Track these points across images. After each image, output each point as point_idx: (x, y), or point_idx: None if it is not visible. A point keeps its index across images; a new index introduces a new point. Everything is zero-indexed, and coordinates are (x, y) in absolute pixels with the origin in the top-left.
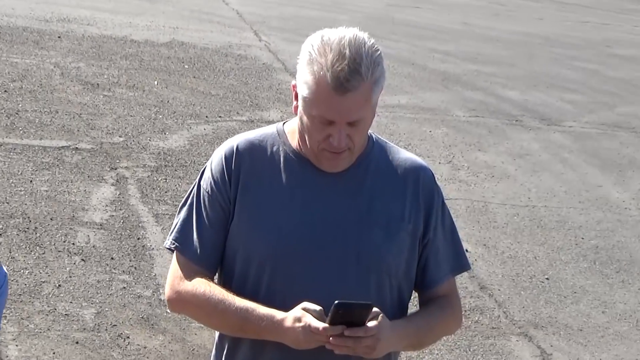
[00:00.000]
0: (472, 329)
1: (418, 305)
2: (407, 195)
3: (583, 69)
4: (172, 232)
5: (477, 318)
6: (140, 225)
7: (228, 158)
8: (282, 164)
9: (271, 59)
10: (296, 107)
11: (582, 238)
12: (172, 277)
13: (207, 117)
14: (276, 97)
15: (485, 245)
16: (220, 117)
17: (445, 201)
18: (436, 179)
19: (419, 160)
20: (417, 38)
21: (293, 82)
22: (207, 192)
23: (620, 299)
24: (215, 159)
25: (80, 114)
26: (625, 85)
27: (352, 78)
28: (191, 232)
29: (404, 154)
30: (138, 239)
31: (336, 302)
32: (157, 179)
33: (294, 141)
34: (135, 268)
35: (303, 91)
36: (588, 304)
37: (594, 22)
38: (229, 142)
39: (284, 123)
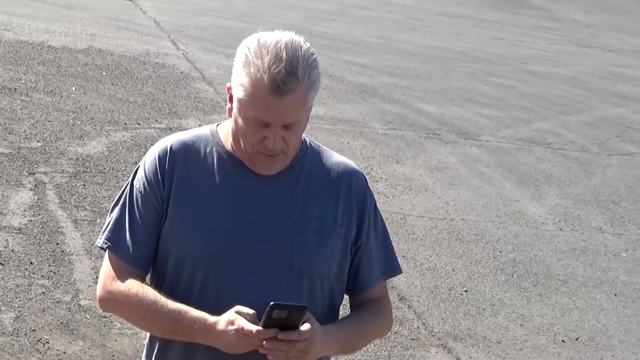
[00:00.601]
0: (392, 340)
1: (349, 308)
2: (340, 198)
3: (499, 85)
4: (104, 231)
5: (396, 329)
6: (59, 230)
7: (161, 158)
8: (215, 165)
9: (189, 68)
10: (230, 109)
11: (500, 251)
12: (104, 276)
13: (125, 124)
14: (194, 106)
15: (404, 257)
16: (138, 124)
17: None
18: (368, 183)
19: (352, 164)
20: (334, 50)
21: (228, 84)
22: (140, 192)
23: (538, 312)
24: (149, 159)
25: None
26: (540, 101)
27: (289, 81)
28: (124, 232)
29: (337, 158)
30: (57, 244)
31: (272, 303)
32: (76, 185)
33: (227, 143)
34: (54, 273)
35: (239, 93)
36: (506, 317)
37: (509, 39)
38: (162, 142)
39: (217, 124)
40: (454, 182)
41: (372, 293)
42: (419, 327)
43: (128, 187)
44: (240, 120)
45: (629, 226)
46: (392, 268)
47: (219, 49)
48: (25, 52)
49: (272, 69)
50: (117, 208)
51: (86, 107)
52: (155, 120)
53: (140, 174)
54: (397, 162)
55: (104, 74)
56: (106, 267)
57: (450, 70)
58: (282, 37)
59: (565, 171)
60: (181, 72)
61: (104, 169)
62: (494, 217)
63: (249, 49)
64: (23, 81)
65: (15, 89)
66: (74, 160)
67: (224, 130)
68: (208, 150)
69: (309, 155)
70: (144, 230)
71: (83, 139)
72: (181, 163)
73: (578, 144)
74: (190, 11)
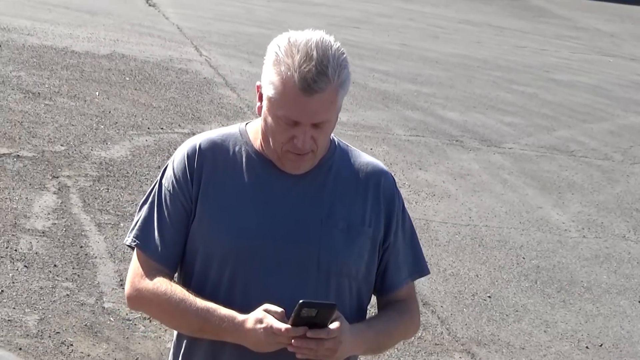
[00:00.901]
0: (415, 345)
1: (377, 309)
2: (368, 199)
3: (521, 93)
4: (132, 229)
5: (420, 334)
6: (82, 233)
7: (190, 157)
8: (244, 164)
9: (212, 74)
10: (260, 108)
11: (524, 258)
12: (133, 274)
13: (149, 128)
14: (217, 111)
15: (427, 262)
16: (162, 129)
17: None
18: (397, 184)
19: (381, 164)
20: (356, 57)
21: (258, 83)
22: (169, 191)
23: (562, 319)
24: (178, 158)
25: (22, 122)
26: (563, 109)
27: (319, 79)
28: (152, 230)
29: (366, 158)
30: (81, 247)
31: (301, 301)
32: (99, 189)
33: (256, 142)
34: (78, 276)
35: (269, 91)
36: (530, 323)
37: (531, 47)
38: (191, 140)
39: (246, 124)
40: (476, 189)
41: (399, 294)
42: (442, 333)
43: (157, 185)
44: (269, 119)
45: None
46: (420, 268)
47: (242, 54)
48: (48, 57)
49: (302, 67)
50: (146, 206)
51: (109, 112)
52: (179, 125)
53: (169, 173)
54: (420, 169)
55: (127, 79)
56: (134, 265)
57: (473, 78)
58: (312, 36)
59: (588, 179)
60: (204, 78)
61: (127, 173)
62: (517, 224)
63: (279, 47)
64: (47, 85)
65: (39, 93)
66: (97, 164)
67: (253, 129)
68: (237, 149)
69: (338, 155)
70: (172, 228)
71: (106, 143)
72: (210, 162)
73: (601, 152)
74: (212, 17)
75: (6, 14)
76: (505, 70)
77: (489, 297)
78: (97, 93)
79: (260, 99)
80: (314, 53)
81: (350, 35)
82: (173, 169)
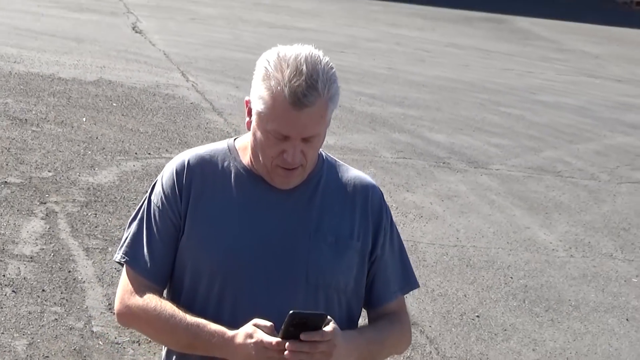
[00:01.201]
0: None
1: (367, 322)
2: (356, 212)
3: (508, 114)
4: (121, 246)
5: (409, 354)
6: (70, 258)
7: (179, 173)
8: (232, 180)
9: (199, 99)
10: (249, 123)
11: (511, 277)
12: (122, 291)
13: (136, 153)
14: (204, 136)
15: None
16: (149, 154)
17: None
18: (385, 197)
19: (368, 178)
20: (343, 82)
21: (247, 98)
22: (158, 207)
23: (550, 337)
24: (166, 174)
25: (9, 149)
26: (549, 130)
27: (309, 94)
28: (141, 246)
29: (354, 172)
30: (69, 271)
31: (291, 311)
32: (87, 214)
33: (245, 157)
34: (66, 300)
35: (258, 106)
36: (519, 342)
37: (517, 69)
38: (179, 156)
39: (234, 139)
40: (464, 210)
41: (390, 307)
42: (431, 352)
43: (146, 201)
44: (259, 134)
45: (639, 252)
46: (410, 282)
47: (229, 80)
48: (35, 84)
49: (292, 82)
50: (135, 223)
51: (97, 138)
52: (166, 150)
53: (158, 189)
54: (408, 191)
55: (114, 105)
56: (124, 281)
57: (459, 101)
58: (301, 50)
59: (575, 199)
60: (191, 103)
61: (115, 198)
62: (504, 244)
63: (268, 62)
64: (34, 112)
65: (26, 119)
66: (85, 190)
67: (241, 145)
68: (226, 164)
69: (326, 169)
70: (162, 244)
71: (94, 169)
72: (198, 177)
73: (587, 172)
74: (199, 43)
75: None
76: (491, 93)
77: (477, 316)
78: (84, 119)
79: (250, 114)
80: (304, 67)
81: (337, 60)
82: (162, 185)
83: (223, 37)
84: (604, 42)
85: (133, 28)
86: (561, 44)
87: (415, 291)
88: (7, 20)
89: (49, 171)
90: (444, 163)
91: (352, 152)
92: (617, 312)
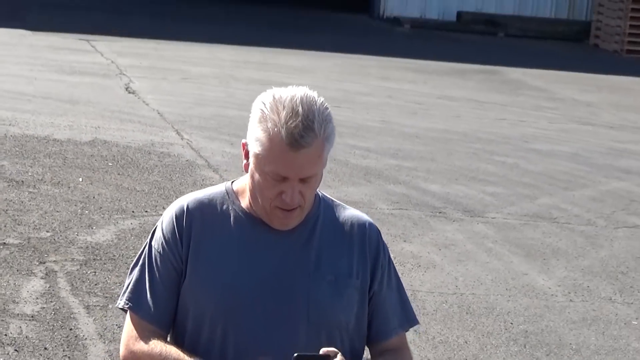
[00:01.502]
0: None
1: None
2: (354, 251)
3: (502, 163)
4: (124, 292)
5: None
6: (72, 316)
7: (179, 217)
8: (232, 223)
9: (194, 156)
10: (246, 166)
11: (511, 323)
12: (127, 336)
13: (133, 212)
14: None
15: (415, 331)
16: (146, 211)
17: None
18: (382, 235)
19: (365, 216)
20: (337, 135)
21: (243, 141)
22: (159, 252)
23: None
24: (166, 219)
25: (7, 210)
26: (544, 177)
27: (306, 134)
28: (144, 292)
29: (351, 211)
30: (70, 329)
31: (295, 354)
32: (87, 272)
33: (243, 200)
34: (69, 358)
35: (255, 148)
36: None
37: (510, 119)
38: (178, 201)
39: (232, 182)
40: (462, 258)
41: (390, 343)
42: None
43: (147, 247)
44: (257, 176)
45: (638, 295)
46: (409, 319)
47: (223, 137)
48: (30, 146)
49: (289, 123)
50: (137, 269)
51: (94, 197)
52: (163, 208)
53: (158, 234)
54: (405, 241)
55: (110, 164)
56: (128, 327)
57: (453, 151)
58: (296, 92)
59: (572, 244)
60: (186, 161)
61: (114, 256)
62: (503, 291)
63: (264, 104)
64: (30, 174)
65: (22, 181)
66: (83, 249)
67: (239, 187)
68: (224, 207)
69: (323, 209)
70: (164, 289)
71: (92, 228)
72: (198, 221)
73: (584, 218)
74: (192, 102)
75: None
76: (485, 142)
77: None
78: (80, 179)
79: (247, 156)
80: (300, 108)
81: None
82: (162, 230)
83: (216, 95)
84: (595, 90)
85: (126, 89)
86: (553, 92)
87: (416, 339)
88: (0, 84)
89: (47, 231)
90: (440, 213)
91: (348, 204)
92: (618, 354)
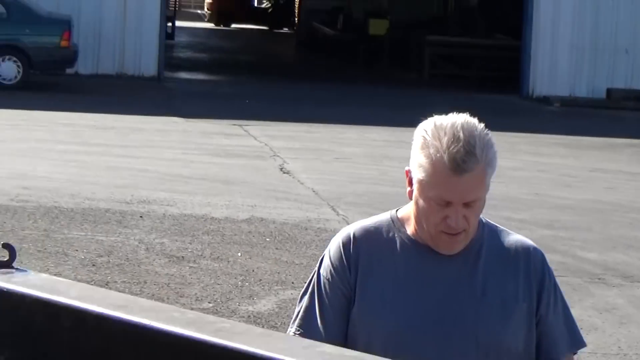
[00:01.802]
0: None
1: None
2: (519, 275)
3: None
4: (295, 320)
5: None
6: None
7: (346, 245)
8: (398, 249)
9: None
10: (410, 192)
11: None
12: None
13: (293, 283)
14: None
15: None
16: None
17: None
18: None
19: (529, 241)
20: (492, 209)
21: (407, 168)
22: (328, 279)
23: None
24: (333, 247)
25: (169, 284)
26: None
27: (468, 159)
28: (314, 318)
29: (515, 236)
30: None
31: None
32: None
33: (409, 227)
34: None
35: (419, 174)
36: None
37: None
38: (345, 230)
39: (397, 210)
40: (624, 321)
41: None
42: None
43: (315, 275)
44: (421, 201)
45: None
46: (577, 341)
47: (377, 212)
48: (189, 224)
49: (451, 148)
50: (306, 297)
51: (253, 270)
52: None
53: (327, 262)
54: None
55: (267, 240)
56: None
57: (609, 221)
58: (457, 119)
59: None
60: None
61: (276, 324)
62: None
63: (426, 131)
64: (190, 250)
65: (182, 257)
66: (245, 318)
67: (404, 215)
68: (390, 235)
69: (487, 234)
70: (334, 314)
71: (253, 299)
72: (365, 249)
73: None
74: (346, 180)
75: (146, 188)
76: None
77: None
78: (239, 254)
79: (410, 183)
80: (461, 134)
81: None
82: (330, 258)
83: (369, 173)
84: None
85: (281, 169)
86: None
87: None
88: (158, 167)
89: (209, 302)
90: (599, 279)
91: None
92: None
